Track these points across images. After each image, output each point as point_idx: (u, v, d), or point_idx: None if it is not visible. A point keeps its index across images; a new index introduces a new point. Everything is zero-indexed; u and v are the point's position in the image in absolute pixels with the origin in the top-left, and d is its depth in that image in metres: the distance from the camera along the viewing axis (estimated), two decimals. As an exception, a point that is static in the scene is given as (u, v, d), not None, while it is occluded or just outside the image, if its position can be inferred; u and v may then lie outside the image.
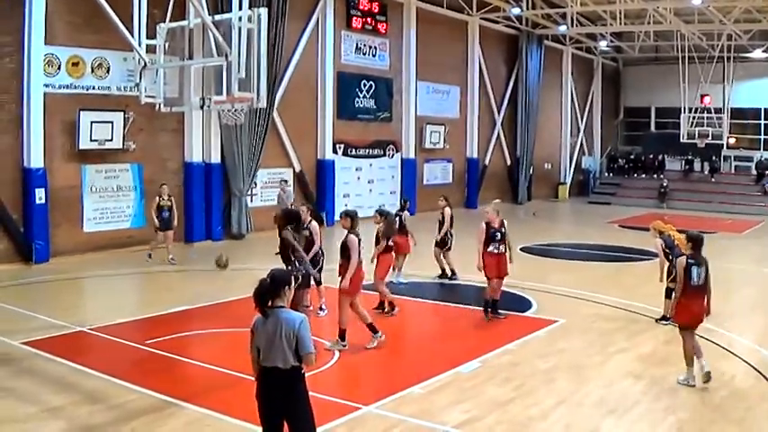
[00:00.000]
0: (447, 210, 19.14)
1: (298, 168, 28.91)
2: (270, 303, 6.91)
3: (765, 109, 47.26)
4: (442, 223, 18.98)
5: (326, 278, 15.19)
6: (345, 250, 12.39)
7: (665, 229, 14.68)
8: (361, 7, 31.48)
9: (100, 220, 22.21)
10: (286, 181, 26.81)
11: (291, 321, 6.82)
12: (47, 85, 20.49)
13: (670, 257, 13.93)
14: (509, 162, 42.76)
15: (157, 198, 20.57)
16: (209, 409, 9.55)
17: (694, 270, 10.93)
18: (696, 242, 11.21)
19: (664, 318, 14.45)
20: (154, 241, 20.89)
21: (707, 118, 44.42)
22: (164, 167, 23.98)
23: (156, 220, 20.41)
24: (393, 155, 34.06)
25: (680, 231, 13.85)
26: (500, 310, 14.90)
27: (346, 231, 12.67)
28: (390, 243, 15.38)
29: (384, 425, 9.07)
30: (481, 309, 15.04)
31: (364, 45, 32.03)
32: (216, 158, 25.21)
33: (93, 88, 21.77)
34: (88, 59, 21.57)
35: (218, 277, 17.20)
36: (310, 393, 10.11)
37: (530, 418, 9.61)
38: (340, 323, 12.48)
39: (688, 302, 10.94)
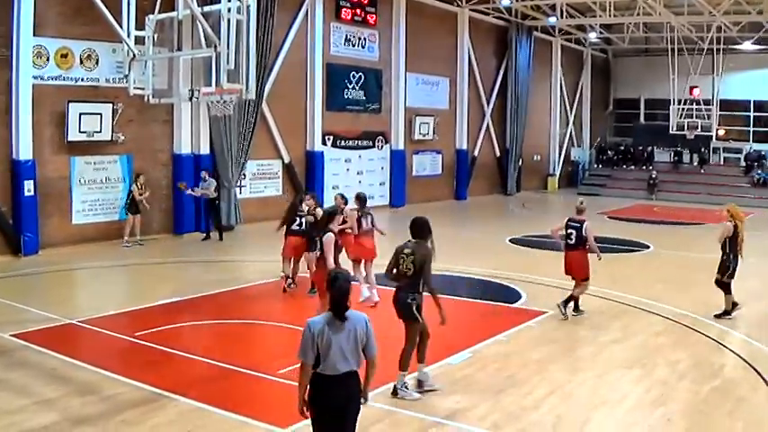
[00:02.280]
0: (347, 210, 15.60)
1: (287, 160, 28.84)
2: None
3: (754, 101, 47.27)
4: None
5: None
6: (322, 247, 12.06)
7: (737, 217, 14.70)
8: (350, -2, 31.43)
9: (89, 212, 22.14)
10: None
11: (360, 321, 6.59)
12: (36, 77, 20.40)
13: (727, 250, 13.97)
14: (498, 153, 42.76)
15: (133, 186, 22.12)
16: (200, 401, 9.55)
17: None
18: None
19: (726, 312, 14.49)
20: (127, 227, 22.07)
21: (696, 110, 44.46)
22: (153, 159, 23.92)
23: (128, 205, 22.08)
24: (382, 146, 34.02)
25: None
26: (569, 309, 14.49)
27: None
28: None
29: (375, 416, 9.05)
30: (468, 299, 15.17)
31: (354, 36, 31.96)
32: (205, 150, 25.14)
33: (82, 80, 21.68)
34: (77, 51, 21.47)
35: (209, 269, 17.16)
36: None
37: (521, 408, 9.63)
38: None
39: None
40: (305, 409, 6.60)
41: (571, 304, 14.41)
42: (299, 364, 6.55)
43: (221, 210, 24.59)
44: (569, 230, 14.49)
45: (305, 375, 6.54)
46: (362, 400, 6.74)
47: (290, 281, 16.20)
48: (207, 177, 23.86)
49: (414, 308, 9.90)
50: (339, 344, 6.42)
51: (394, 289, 10.26)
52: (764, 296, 17.07)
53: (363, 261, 15.34)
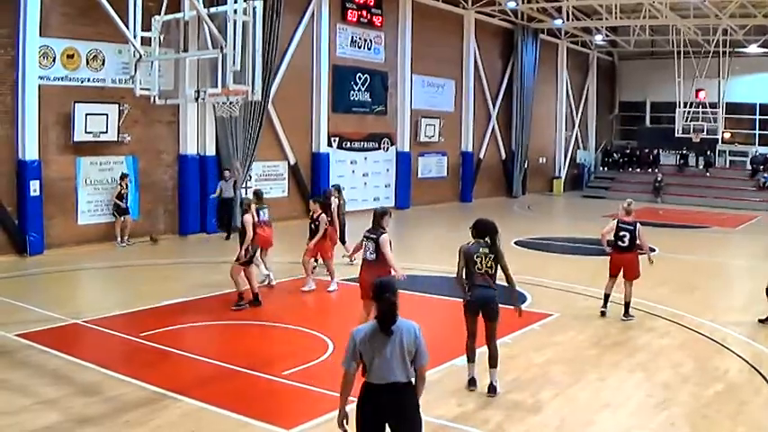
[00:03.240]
0: (323, 216, 16.96)
1: (293, 161, 28.87)
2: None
3: (760, 104, 47.19)
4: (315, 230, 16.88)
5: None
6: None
7: None
8: (356, 0, 31.42)
9: (94, 213, 22.20)
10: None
11: (410, 330, 6.39)
12: (42, 78, 20.45)
13: None
14: (504, 156, 42.75)
15: (118, 187, 22.30)
16: (204, 401, 9.55)
17: None
18: None
19: None
20: (119, 227, 22.24)
21: (702, 113, 44.37)
22: (158, 160, 24.00)
23: (117, 206, 22.25)
24: (388, 148, 34.04)
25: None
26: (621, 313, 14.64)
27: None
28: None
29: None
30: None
31: (359, 38, 31.98)
32: (211, 151, 25.19)
33: (88, 80, 21.74)
34: (83, 51, 21.53)
35: (214, 269, 17.17)
36: (305, 387, 10.16)
37: (525, 410, 9.63)
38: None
39: None
40: (344, 421, 6.48)
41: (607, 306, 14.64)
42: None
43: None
44: (622, 233, 14.44)
45: (345, 384, 6.43)
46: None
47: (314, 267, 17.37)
48: (228, 176, 24.26)
49: None
50: (383, 354, 6.28)
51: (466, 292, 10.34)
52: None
53: (263, 249, 16.55)
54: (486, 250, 10.21)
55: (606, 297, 14.79)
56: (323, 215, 16.71)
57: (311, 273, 16.91)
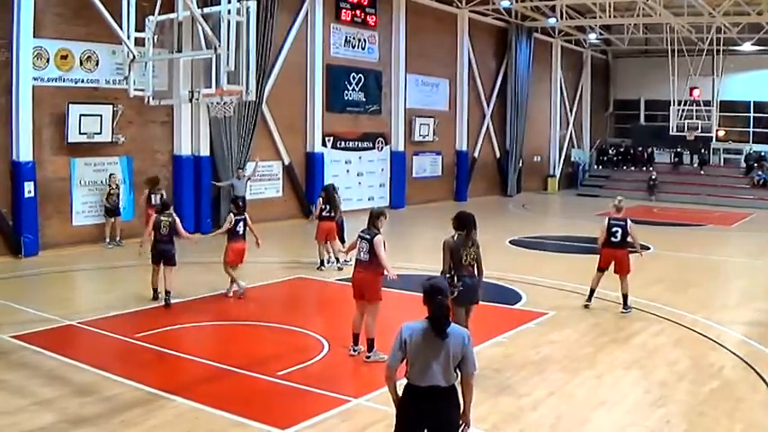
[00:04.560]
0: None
1: (287, 161, 28.86)
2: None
3: (754, 102, 47.32)
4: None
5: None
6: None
7: None
8: (350, 0, 31.41)
9: (89, 214, 22.14)
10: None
11: (459, 336, 6.25)
12: (36, 79, 20.38)
13: None
14: (498, 154, 42.74)
15: (108, 188, 22.12)
16: (199, 402, 9.55)
17: None
18: None
19: None
20: (109, 228, 22.16)
21: (696, 111, 44.49)
22: (153, 160, 23.95)
23: (107, 207, 22.13)
24: (382, 148, 34.02)
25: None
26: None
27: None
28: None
29: (374, 416, 9.07)
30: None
31: (353, 38, 31.96)
32: (205, 151, 25.16)
33: (82, 81, 21.69)
34: (77, 52, 21.48)
35: (209, 270, 17.16)
36: (301, 387, 10.17)
37: (520, 408, 9.65)
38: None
39: None
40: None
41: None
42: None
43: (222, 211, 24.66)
44: (614, 229, 14.84)
45: (388, 380, 6.37)
46: (463, 425, 6.41)
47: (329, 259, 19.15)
48: (241, 175, 24.47)
49: None
50: (429, 356, 6.16)
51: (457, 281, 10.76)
52: (762, 296, 17.03)
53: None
54: (470, 243, 10.80)
55: (592, 291, 15.06)
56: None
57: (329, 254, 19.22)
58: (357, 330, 11.82)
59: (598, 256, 15.13)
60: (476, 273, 10.90)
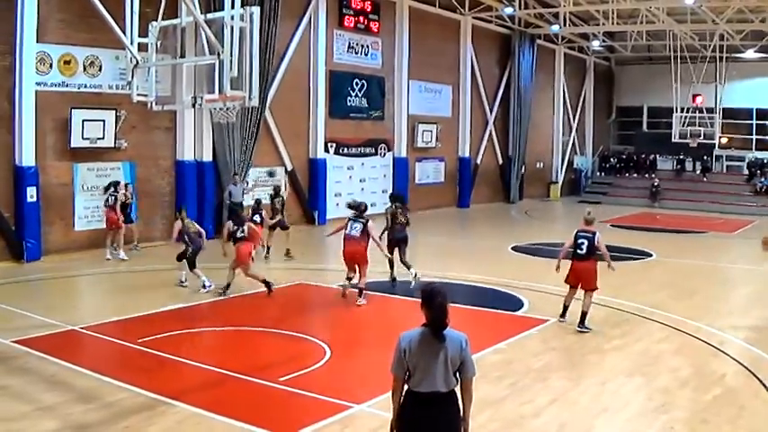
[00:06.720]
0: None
1: (290, 167, 28.86)
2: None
3: (757, 109, 47.28)
4: None
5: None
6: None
7: None
8: (353, 6, 31.41)
9: (92, 219, 22.13)
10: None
11: (456, 340, 6.27)
12: (39, 84, 20.42)
13: None
14: (501, 161, 42.74)
15: (123, 197, 21.66)
16: (201, 407, 9.54)
17: None
18: None
19: None
20: (120, 237, 21.50)
21: (699, 118, 44.55)
22: (156, 166, 23.97)
23: (121, 216, 21.35)
24: (385, 154, 34.02)
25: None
26: (562, 319, 14.64)
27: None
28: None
29: (376, 423, 9.05)
30: (470, 306, 15.23)
31: (356, 44, 31.98)
32: (208, 157, 25.17)
33: (85, 86, 21.71)
34: (80, 58, 21.51)
35: (211, 276, 17.14)
36: (302, 393, 10.16)
37: (522, 416, 9.63)
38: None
39: None
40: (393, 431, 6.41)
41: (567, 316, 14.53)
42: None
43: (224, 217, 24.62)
44: (580, 240, 14.31)
45: (395, 391, 6.36)
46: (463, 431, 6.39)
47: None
48: (237, 181, 24.47)
49: None
50: (428, 361, 6.16)
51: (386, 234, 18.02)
52: (765, 303, 17.01)
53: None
54: (401, 209, 18.29)
55: (565, 308, 14.63)
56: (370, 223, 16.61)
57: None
58: (351, 275, 16.13)
59: (556, 266, 14.79)
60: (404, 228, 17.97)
